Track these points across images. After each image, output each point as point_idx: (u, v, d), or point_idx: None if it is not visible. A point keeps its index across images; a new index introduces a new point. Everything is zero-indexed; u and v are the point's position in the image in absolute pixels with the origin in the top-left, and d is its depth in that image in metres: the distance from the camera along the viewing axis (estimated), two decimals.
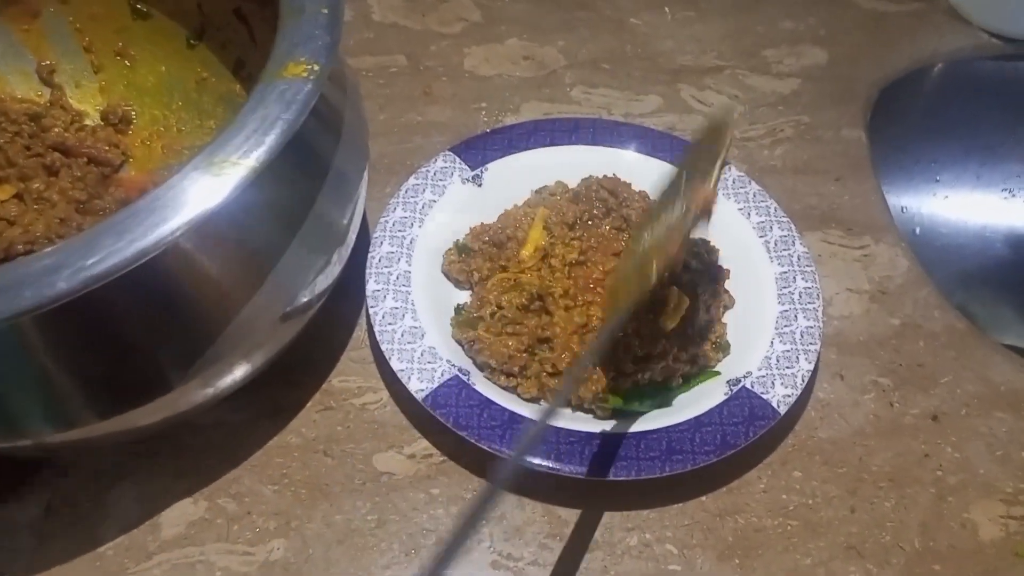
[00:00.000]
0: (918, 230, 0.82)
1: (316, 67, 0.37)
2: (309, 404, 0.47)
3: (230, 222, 0.36)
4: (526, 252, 0.50)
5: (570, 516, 0.43)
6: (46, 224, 0.47)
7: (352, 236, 0.45)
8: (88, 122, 0.54)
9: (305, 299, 0.42)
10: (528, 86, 0.66)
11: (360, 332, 0.50)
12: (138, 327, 0.36)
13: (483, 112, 0.64)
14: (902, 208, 0.81)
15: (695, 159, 0.44)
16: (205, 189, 0.33)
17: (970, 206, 0.83)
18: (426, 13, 0.71)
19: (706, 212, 0.40)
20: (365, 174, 0.45)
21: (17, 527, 0.42)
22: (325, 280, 0.43)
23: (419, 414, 0.46)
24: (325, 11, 0.39)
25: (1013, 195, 0.83)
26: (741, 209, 0.53)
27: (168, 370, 0.37)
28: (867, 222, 0.57)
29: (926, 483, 0.45)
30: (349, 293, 0.50)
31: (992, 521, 0.44)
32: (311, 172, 0.41)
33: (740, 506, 0.44)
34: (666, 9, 0.72)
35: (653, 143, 0.56)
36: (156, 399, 0.37)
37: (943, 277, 0.82)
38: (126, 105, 0.54)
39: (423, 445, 0.46)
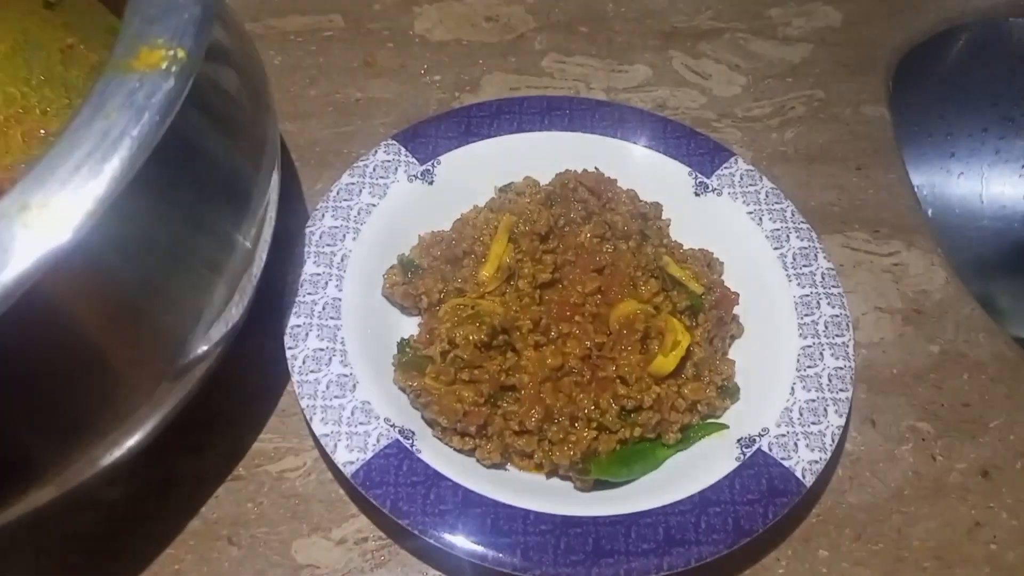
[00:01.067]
0: (930, 211, 0.73)
1: (180, 54, 0.26)
2: (213, 475, 0.37)
3: (72, 272, 0.26)
4: (486, 272, 0.40)
5: None
6: None
7: (261, 258, 0.35)
8: None
9: (198, 349, 0.32)
10: (491, 54, 0.55)
11: (279, 382, 0.40)
12: None
13: (436, 87, 0.53)
14: (917, 187, 0.72)
15: None
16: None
17: (987, 184, 0.74)
18: None
19: None
20: (274, 178, 0.35)
21: None
22: (224, 322, 0.33)
23: (351, 486, 0.37)
24: None
25: None
26: (751, 213, 0.43)
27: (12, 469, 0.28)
28: (896, 222, 0.48)
29: (979, 561, 0.37)
30: (266, 327, 0.40)
31: None
32: (188, 188, 0.30)
33: None
34: None
35: (644, 128, 0.46)
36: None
37: (957, 264, 0.74)
38: None
39: (356, 526, 0.36)
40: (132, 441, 0.31)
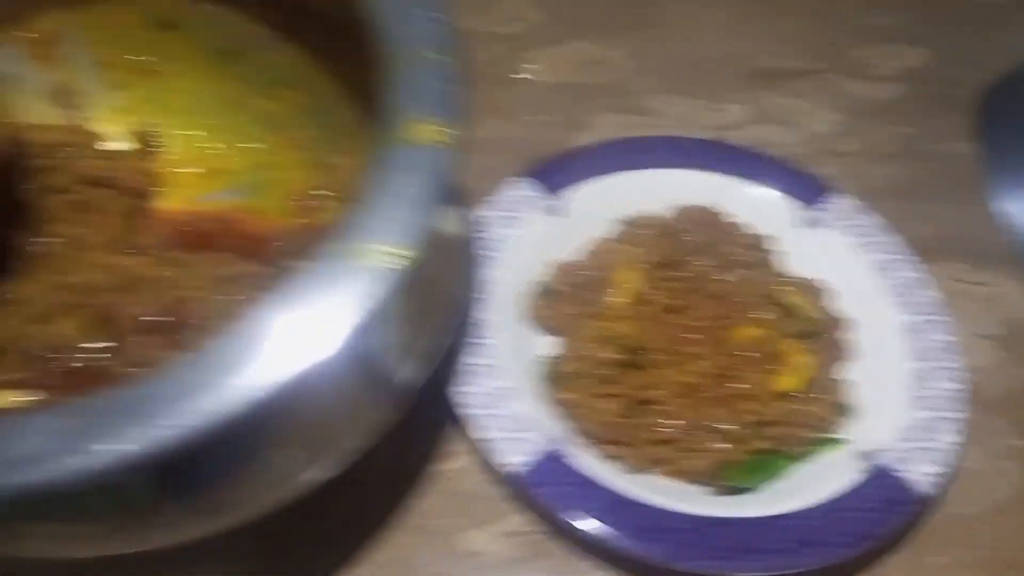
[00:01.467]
0: None
1: (452, 130, 0.30)
2: (383, 472, 0.42)
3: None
4: (619, 298, 0.45)
5: None
6: (87, 273, 0.42)
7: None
8: (111, 147, 0.47)
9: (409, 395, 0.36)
10: (598, 95, 0.60)
11: (437, 387, 0.45)
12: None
13: (549, 127, 0.58)
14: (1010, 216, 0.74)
15: None
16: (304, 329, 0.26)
17: None
18: (481, 12, 0.64)
19: None
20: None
21: None
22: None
23: (510, 485, 0.41)
24: (447, 59, 0.32)
25: None
26: (857, 245, 0.47)
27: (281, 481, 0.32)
28: (988, 253, 0.52)
29: None
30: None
31: None
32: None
33: None
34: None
35: (753, 166, 0.50)
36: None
37: None
38: (150, 127, 0.47)
39: (515, 522, 0.41)
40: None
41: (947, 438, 0.40)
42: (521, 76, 0.60)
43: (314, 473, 0.33)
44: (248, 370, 0.24)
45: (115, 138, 0.47)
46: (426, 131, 0.30)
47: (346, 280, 0.27)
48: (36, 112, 0.46)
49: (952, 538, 0.41)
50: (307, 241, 0.41)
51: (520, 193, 0.49)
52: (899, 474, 0.39)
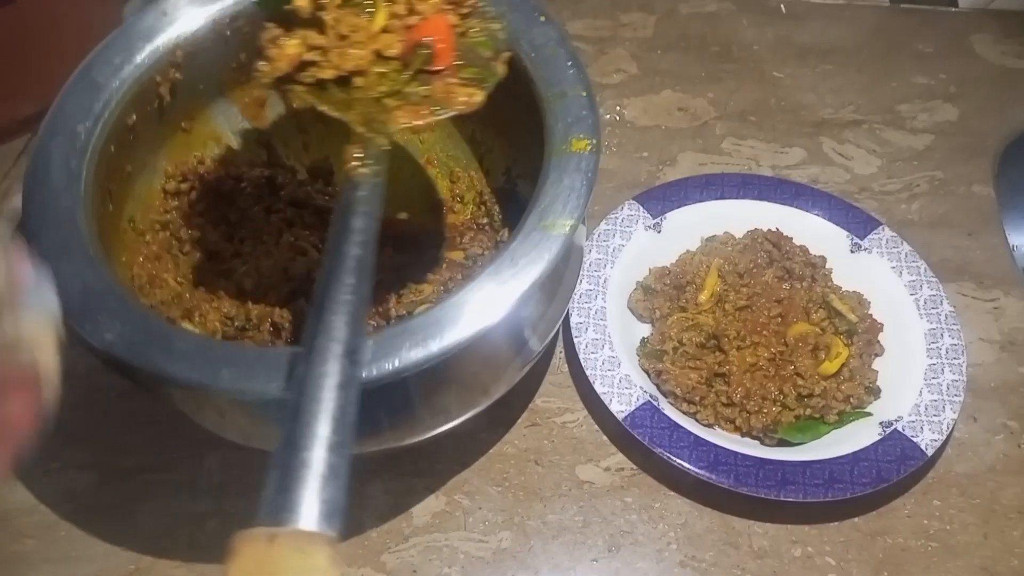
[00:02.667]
0: None
1: (594, 141, 0.45)
2: (519, 421, 0.57)
3: (510, 321, 0.41)
4: (704, 297, 0.59)
5: (743, 527, 0.52)
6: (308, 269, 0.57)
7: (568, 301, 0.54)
8: (299, 176, 0.62)
9: (533, 357, 0.50)
10: (683, 136, 0.74)
11: (557, 360, 0.60)
12: (414, 392, 0.45)
13: (644, 161, 0.72)
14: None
15: None
16: (498, 295, 0.40)
17: None
18: (588, 64, 0.79)
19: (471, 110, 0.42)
20: (580, 268, 0.54)
21: None
22: (550, 340, 0.52)
23: (613, 432, 0.56)
24: (584, 94, 0.47)
25: None
26: (894, 268, 0.60)
27: (427, 417, 0.47)
28: (997, 275, 0.64)
29: None
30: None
31: None
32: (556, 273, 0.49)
33: (888, 528, 0.52)
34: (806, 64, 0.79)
35: (811, 201, 0.64)
36: (435, 427, 0.48)
37: None
38: (326, 159, 0.62)
39: (617, 460, 0.55)
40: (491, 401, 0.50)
41: (949, 415, 0.53)
42: (624, 119, 0.75)
43: (482, 396, 0.48)
44: (466, 318, 0.40)
45: (299, 169, 0.62)
46: (580, 143, 0.45)
47: (538, 243, 0.42)
48: (248, 153, 0.60)
49: (952, 488, 0.54)
50: (448, 236, 0.57)
51: (629, 214, 0.63)
52: (910, 437, 0.52)
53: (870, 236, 0.62)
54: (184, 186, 0.55)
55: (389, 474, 0.54)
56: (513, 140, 0.55)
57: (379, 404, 0.44)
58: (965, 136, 0.74)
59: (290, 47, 0.40)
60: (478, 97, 0.42)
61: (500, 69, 0.43)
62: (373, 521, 0.52)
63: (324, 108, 0.40)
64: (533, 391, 0.58)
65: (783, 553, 0.51)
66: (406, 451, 0.54)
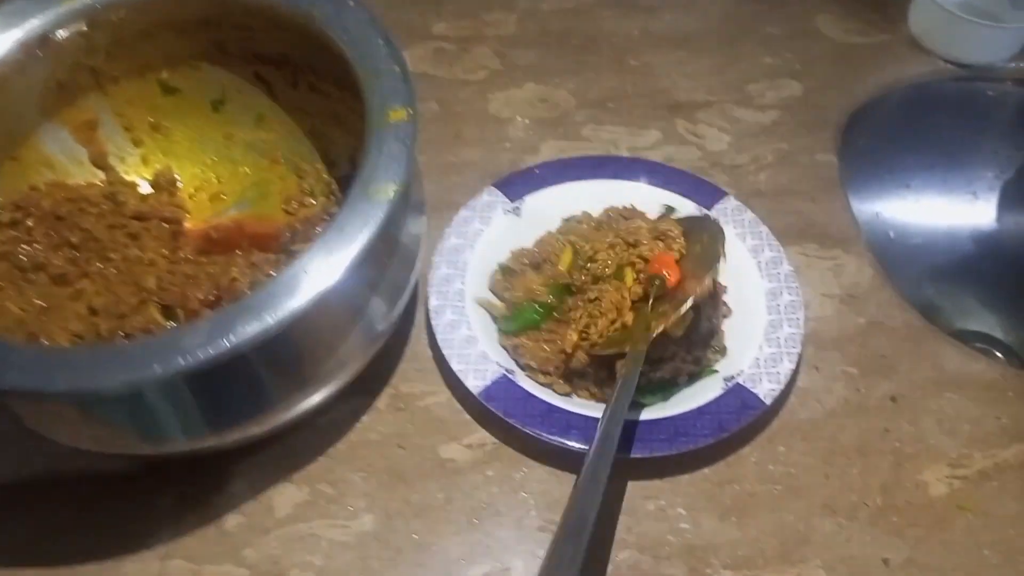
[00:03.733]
0: (892, 233, 0.92)
1: (410, 110, 0.47)
2: (383, 407, 0.58)
3: (342, 289, 0.44)
4: (562, 267, 0.61)
5: None
6: (155, 278, 0.57)
7: (416, 273, 0.56)
8: (141, 191, 0.62)
9: (382, 328, 0.52)
10: (545, 126, 0.76)
11: (418, 346, 0.61)
12: (266, 364, 0.46)
13: (508, 151, 0.74)
14: (876, 213, 0.91)
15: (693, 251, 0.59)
16: (330, 265, 0.43)
17: (939, 208, 0.93)
18: (452, 63, 0.81)
19: (703, 297, 0.55)
20: (423, 222, 0.56)
21: (157, 513, 0.53)
22: (397, 312, 0.54)
23: (473, 409, 0.57)
24: (397, 69, 0.50)
25: (977, 197, 0.93)
26: (738, 234, 0.63)
27: (282, 395, 0.48)
28: (838, 236, 0.68)
29: (886, 452, 0.56)
30: (408, 317, 0.61)
31: (940, 481, 0.54)
32: (391, 237, 0.51)
33: (736, 476, 0.54)
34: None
35: (663, 177, 0.67)
36: (274, 415, 0.48)
37: (914, 273, 0.93)
38: (168, 170, 0.63)
39: (478, 436, 0.56)
40: (343, 383, 0.52)
41: (786, 366, 0.56)
42: (487, 112, 0.77)
43: (338, 371, 0.49)
44: (300, 289, 0.42)
45: (144, 183, 0.62)
46: (397, 114, 0.47)
47: (364, 211, 0.44)
48: (84, 175, 0.60)
49: (795, 434, 0.56)
50: (302, 230, 0.58)
51: (488, 199, 0.65)
52: (749, 388, 0.55)
53: (717, 206, 0.65)
54: (19, 215, 0.55)
55: (251, 468, 0.54)
56: (349, 127, 0.57)
57: (232, 388, 0.45)
58: (809, 110, 0.78)
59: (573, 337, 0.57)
60: (707, 281, 0.55)
61: (720, 252, 0.57)
62: (234, 516, 0.53)
63: (618, 349, 0.55)
64: (396, 377, 0.59)
65: (637, 508, 0.53)
66: (268, 444, 0.55)
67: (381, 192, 0.45)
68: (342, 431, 0.56)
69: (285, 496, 0.53)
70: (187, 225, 0.63)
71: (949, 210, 0.93)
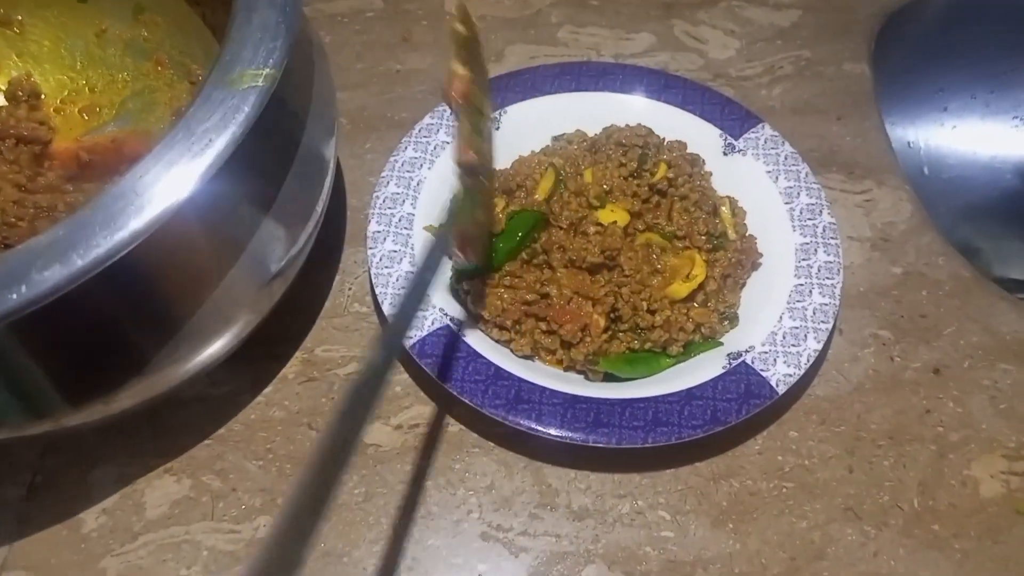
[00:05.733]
0: (926, 170, 0.79)
1: (270, 72, 0.34)
2: (292, 376, 0.46)
3: (202, 208, 0.33)
4: (540, 194, 0.48)
5: (561, 483, 0.42)
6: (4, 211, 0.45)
7: (323, 199, 0.43)
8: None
9: (279, 268, 0.40)
10: (512, 27, 0.62)
11: (342, 299, 0.48)
12: (110, 316, 0.35)
13: None
14: (908, 143, 0.78)
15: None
16: (176, 177, 0.31)
17: (979, 136, 0.80)
18: None
19: (464, 99, 0.41)
20: (334, 138, 0.43)
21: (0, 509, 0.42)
22: (299, 249, 0.41)
23: (407, 379, 0.45)
24: None
25: (1023, 123, 0.79)
26: (769, 172, 0.50)
27: (143, 353, 0.36)
28: (869, 164, 0.55)
29: (926, 440, 0.44)
30: (328, 261, 0.49)
31: (993, 477, 0.43)
32: (281, 144, 0.39)
33: (734, 470, 0.43)
34: None
35: (686, 94, 0.53)
36: (133, 383, 0.36)
37: (949, 211, 0.80)
38: (26, 77, 0.51)
39: (410, 415, 0.45)
40: (232, 340, 0.40)
41: (811, 345, 0.43)
42: (443, 10, 0.63)
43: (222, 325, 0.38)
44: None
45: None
46: None
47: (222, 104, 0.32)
48: None
49: (812, 416, 0.45)
50: None
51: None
52: (759, 371, 0.42)
53: (747, 135, 0.51)
54: None
55: (120, 454, 0.43)
56: None
57: (72, 346, 0.34)
58: (836, 11, 0.64)
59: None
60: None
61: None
62: (95, 517, 0.41)
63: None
64: (311, 338, 0.47)
65: (607, 511, 0.42)
66: (144, 422, 0.43)
67: (247, 79, 0.32)
68: (237, 406, 0.45)
69: (160, 490, 0.42)
70: (57, 145, 0.50)
71: (991, 138, 0.80)
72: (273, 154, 0.38)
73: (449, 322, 0.44)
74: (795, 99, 0.58)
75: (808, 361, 0.43)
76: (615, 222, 0.46)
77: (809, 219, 0.48)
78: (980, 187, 0.80)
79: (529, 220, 0.46)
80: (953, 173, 0.79)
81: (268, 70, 0.33)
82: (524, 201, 0.48)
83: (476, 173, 0.41)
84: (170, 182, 0.31)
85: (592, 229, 0.46)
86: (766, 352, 0.43)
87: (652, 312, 0.44)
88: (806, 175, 0.50)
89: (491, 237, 0.46)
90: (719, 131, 0.52)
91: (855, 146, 0.56)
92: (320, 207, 0.43)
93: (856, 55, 0.61)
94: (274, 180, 0.38)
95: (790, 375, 0.42)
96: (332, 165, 0.43)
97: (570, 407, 0.41)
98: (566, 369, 0.45)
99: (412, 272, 0.45)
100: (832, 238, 0.47)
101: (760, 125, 0.52)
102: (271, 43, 0.33)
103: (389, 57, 0.60)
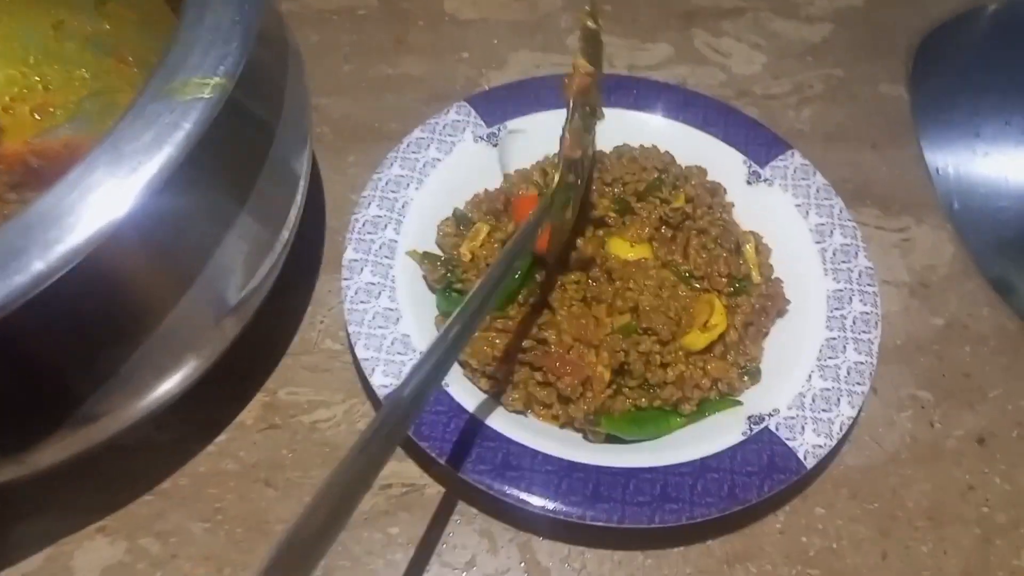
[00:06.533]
0: (956, 203, 0.74)
1: (220, 81, 0.28)
2: (250, 422, 0.40)
3: (147, 224, 0.28)
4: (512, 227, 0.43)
5: (552, 562, 0.37)
6: None
7: (291, 223, 0.38)
8: None
9: (241, 296, 0.35)
10: (518, 32, 0.57)
11: (312, 334, 0.43)
12: (25, 360, 0.29)
13: (464, 64, 0.55)
14: (937, 169, 0.72)
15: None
16: (115, 187, 0.26)
17: (1013, 164, 0.74)
18: None
19: (582, 95, 0.39)
20: (306, 154, 0.37)
21: None
22: (260, 281, 0.36)
23: None
24: None
25: None
26: (799, 206, 0.44)
27: (68, 403, 0.31)
28: (907, 198, 0.49)
29: (970, 521, 0.39)
30: (300, 289, 0.43)
31: None
32: (241, 160, 0.33)
33: (752, 551, 0.37)
34: None
35: (707, 113, 0.47)
36: (54, 439, 0.31)
37: (978, 245, 0.74)
38: None
39: (386, 472, 0.39)
40: (184, 381, 0.34)
41: (844, 411, 0.38)
42: (442, 11, 0.58)
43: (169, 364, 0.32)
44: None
45: None
46: None
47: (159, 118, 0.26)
48: None
49: (841, 490, 0.39)
50: None
51: (455, 119, 0.46)
52: (784, 440, 0.37)
53: (774, 163, 0.46)
54: None
55: (50, 506, 0.37)
56: None
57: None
58: (872, 27, 0.59)
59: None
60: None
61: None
62: None
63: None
64: (274, 377, 0.41)
65: None
66: (81, 472, 0.37)
67: (191, 88, 0.27)
68: (184, 456, 0.39)
69: (91, 553, 0.36)
70: (2, 146, 0.45)
71: None
72: (230, 172, 0.33)
73: None
74: (826, 122, 0.53)
75: (841, 430, 0.37)
76: (644, 258, 0.41)
77: (843, 262, 0.42)
78: (1012, 219, 0.74)
79: (530, 257, 0.41)
80: (983, 203, 0.74)
81: (217, 79, 0.27)
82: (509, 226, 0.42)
83: (577, 171, 0.39)
84: (95, 205, 0.26)
85: (609, 265, 0.41)
86: (793, 418, 0.37)
87: (664, 366, 0.39)
88: (840, 211, 0.44)
89: (571, 236, 0.42)
90: (743, 157, 0.46)
91: (892, 178, 0.50)
92: (288, 232, 0.37)
93: (893, 76, 0.56)
94: (232, 201, 0.33)
95: (820, 446, 0.37)
96: (303, 184, 0.38)
97: (566, 476, 0.35)
98: (563, 426, 0.39)
99: (390, 310, 0.40)
100: (869, 285, 0.42)
101: (789, 152, 0.46)
102: (223, 47, 0.28)
103: (381, 60, 0.55)
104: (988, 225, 0.74)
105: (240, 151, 0.34)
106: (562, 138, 0.37)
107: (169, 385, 0.34)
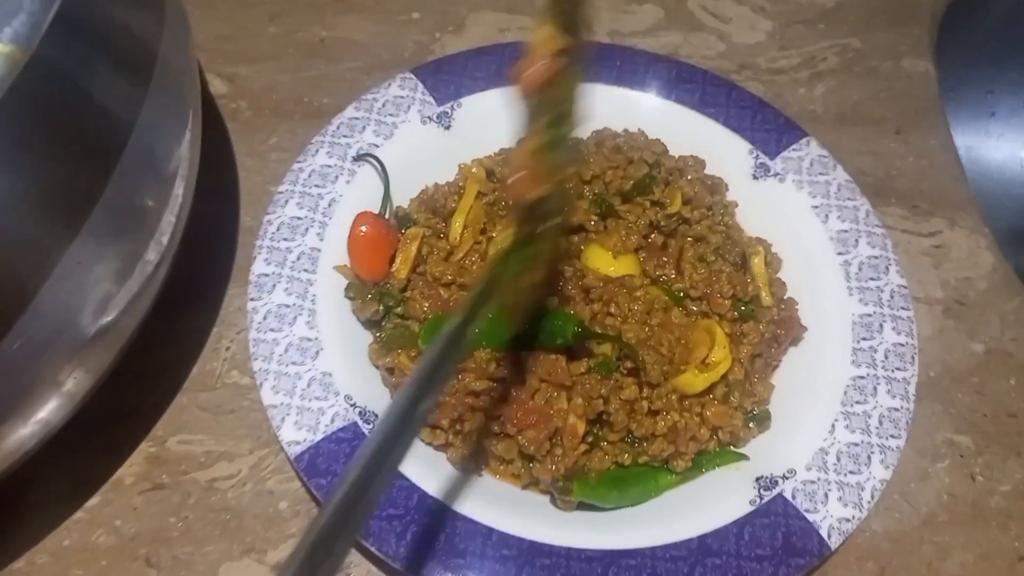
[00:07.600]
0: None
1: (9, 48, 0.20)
2: (130, 480, 0.32)
3: None
4: (454, 232, 0.34)
5: None
6: None
7: (167, 230, 0.29)
8: None
9: (99, 324, 0.26)
10: None
11: (215, 363, 0.35)
12: None
13: (415, 27, 0.46)
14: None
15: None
16: None
17: None
18: None
19: (547, 91, 0.25)
20: (186, 140, 0.29)
21: None
22: (135, 294, 0.28)
23: (295, 494, 0.32)
24: None
25: None
26: (817, 208, 0.36)
27: None
28: (938, 196, 0.42)
29: None
30: (202, 305, 0.35)
31: None
32: (78, 146, 0.24)
33: None
34: None
35: (705, 93, 0.39)
36: None
37: (993, 232, 0.68)
38: None
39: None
40: (37, 432, 0.26)
41: (877, 474, 0.30)
42: None
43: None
44: None
45: None
46: None
47: None
48: None
49: (866, 558, 0.32)
50: None
51: (398, 95, 0.38)
52: (803, 512, 0.29)
53: (785, 153, 0.38)
54: None
55: None
56: None
57: None
58: None
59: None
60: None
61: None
62: None
63: None
64: (166, 420, 0.33)
65: None
66: None
67: None
68: (47, 524, 0.31)
69: None
70: None
71: None
72: (56, 171, 0.24)
73: (357, 419, 0.30)
74: (841, 102, 0.45)
75: (873, 498, 0.30)
76: (629, 275, 0.33)
77: (872, 279, 0.35)
78: None
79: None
80: (996, 188, 0.67)
81: (6, 46, 0.18)
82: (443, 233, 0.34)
83: (540, 217, 0.25)
84: None
85: (586, 283, 0.32)
86: (813, 482, 0.30)
87: (653, 414, 0.31)
88: (867, 214, 0.36)
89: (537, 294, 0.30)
90: (748, 146, 0.38)
91: (919, 170, 0.42)
92: (165, 242, 0.29)
93: (916, 48, 0.48)
94: (63, 215, 0.24)
95: (847, 520, 0.29)
96: (185, 179, 0.29)
97: (526, 564, 0.28)
98: (525, 487, 0.31)
99: (309, 341, 0.31)
100: (903, 308, 0.34)
101: (804, 140, 0.38)
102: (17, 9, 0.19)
103: (314, 21, 0.46)
104: (1003, 213, 0.67)
105: (69, 142, 0.25)
106: (510, 168, 0.25)
107: (31, 427, 0.26)
